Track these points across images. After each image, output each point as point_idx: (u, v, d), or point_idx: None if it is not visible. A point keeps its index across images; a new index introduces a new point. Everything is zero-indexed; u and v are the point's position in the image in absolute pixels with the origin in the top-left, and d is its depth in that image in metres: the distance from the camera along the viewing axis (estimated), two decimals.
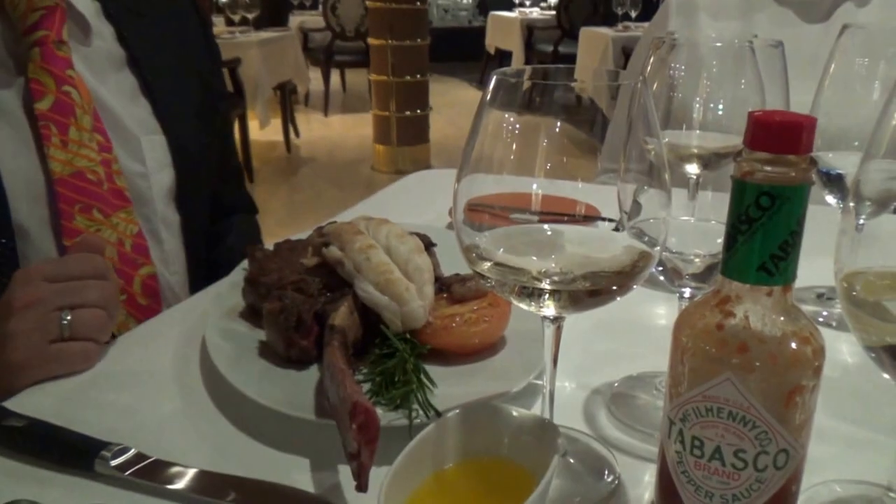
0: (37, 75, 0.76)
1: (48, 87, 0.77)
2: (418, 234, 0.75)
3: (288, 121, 5.07)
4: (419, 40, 4.37)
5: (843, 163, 0.70)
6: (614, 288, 0.44)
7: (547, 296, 0.44)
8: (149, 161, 0.86)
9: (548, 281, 0.45)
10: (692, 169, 0.70)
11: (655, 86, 0.78)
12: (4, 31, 0.77)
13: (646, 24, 5.16)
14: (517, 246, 0.51)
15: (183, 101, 0.93)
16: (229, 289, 0.74)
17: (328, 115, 6.30)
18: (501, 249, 0.50)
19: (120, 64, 0.87)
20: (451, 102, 6.67)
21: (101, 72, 0.84)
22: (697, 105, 0.73)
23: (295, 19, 6.25)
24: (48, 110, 0.76)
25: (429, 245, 0.75)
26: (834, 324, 0.72)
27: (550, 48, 6.53)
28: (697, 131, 0.72)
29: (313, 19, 6.54)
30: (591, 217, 0.53)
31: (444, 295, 0.68)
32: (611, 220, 0.53)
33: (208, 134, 1.00)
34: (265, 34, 4.43)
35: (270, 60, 4.29)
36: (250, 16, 4.56)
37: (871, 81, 0.71)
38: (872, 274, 0.44)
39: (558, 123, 0.57)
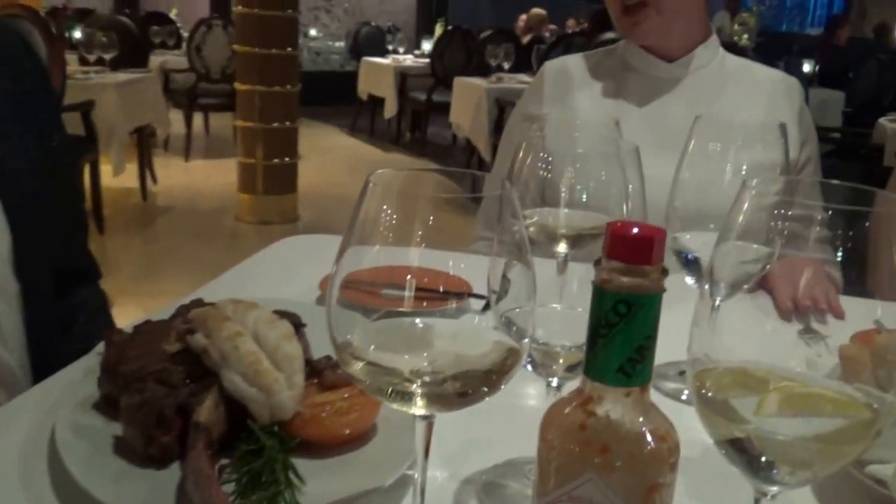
0: None
1: None
2: (287, 314, 0.74)
3: (145, 166, 4.85)
4: (289, 86, 4.33)
5: (699, 244, 0.74)
6: (484, 389, 0.46)
7: (418, 398, 0.45)
8: None
9: (419, 383, 0.45)
10: (561, 248, 0.73)
11: (529, 161, 0.81)
12: None
13: (519, 76, 5.42)
14: (388, 342, 0.51)
15: (18, 157, 0.89)
16: (82, 376, 0.69)
17: (189, 161, 6.08)
18: (372, 346, 0.49)
19: None
20: (322, 149, 6.64)
21: None
22: (566, 185, 0.77)
23: (156, 59, 6.03)
24: None
25: (299, 326, 0.73)
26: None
27: (424, 96, 6.67)
28: (566, 210, 0.75)
29: (176, 59, 6.33)
30: (462, 293, 0.53)
31: (315, 381, 0.67)
32: (481, 297, 0.53)
33: (48, 190, 0.95)
34: (123, 75, 4.25)
35: (128, 103, 4.10)
36: (107, 56, 4.35)
37: (723, 166, 0.77)
38: (722, 370, 0.48)
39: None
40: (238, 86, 4.36)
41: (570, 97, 1.31)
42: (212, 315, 0.66)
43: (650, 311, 0.40)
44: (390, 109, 6.99)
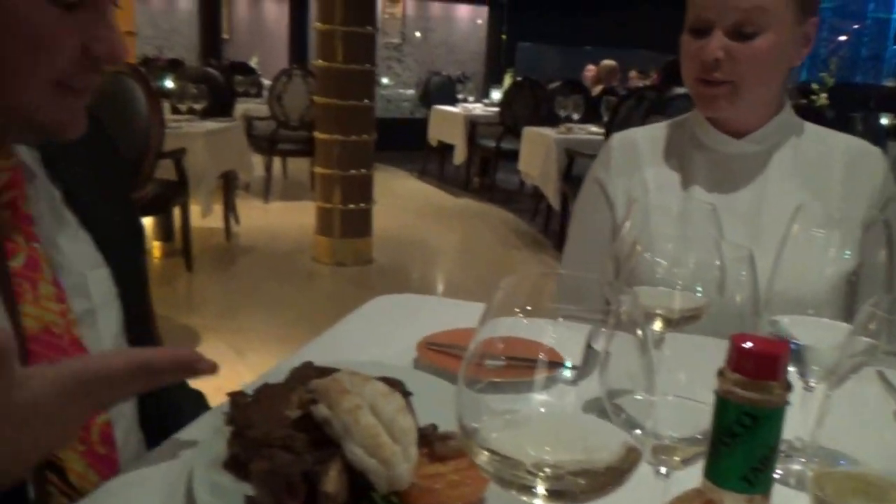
0: (9, 234, 0.77)
1: (20, 244, 0.78)
2: (394, 382, 0.78)
3: (229, 208, 5.07)
4: (365, 136, 4.49)
5: (800, 331, 0.74)
6: (604, 487, 0.48)
7: (540, 491, 0.48)
8: (95, 296, 0.85)
9: (541, 477, 0.48)
10: (657, 327, 0.74)
11: (627, 238, 0.83)
12: None
13: (588, 127, 5.47)
14: (511, 429, 0.53)
15: (117, 227, 0.94)
16: (211, 434, 0.75)
17: (269, 202, 6.32)
18: (495, 434, 0.52)
19: (57, 203, 0.87)
20: (393, 193, 6.79)
21: (45, 215, 0.84)
22: (661, 264, 0.78)
23: (240, 107, 6.32)
24: (22, 267, 0.77)
25: (405, 395, 0.77)
26: (792, 482, 0.74)
27: (493, 143, 6.78)
28: (661, 288, 0.76)
29: (258, 108, 6.64)
30: (554, 363, 0.54)
31: (425, 450, 0.71)
32: (574, 368, 0.54)
33: (141, 254, 1.00)
34: (211, 124, 4.47)
35: (215, 150, 4.32)
36: (198, 107, 4.60)
37: (824, 254, 0.78)
38: (842, 475, 0.50)
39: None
40: (317, 135, 4.54)
41: (638, 171, 1.31)
42: (332, 387, 0.71)
43: (774, 424, 0.42)
44: (460, 156, 7.12)
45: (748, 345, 0.43)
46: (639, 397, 0.51)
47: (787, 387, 0.42)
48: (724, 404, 0.43)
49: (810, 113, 5.01)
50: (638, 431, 0.51)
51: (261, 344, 3.41)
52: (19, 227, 0.78)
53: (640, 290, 0.77)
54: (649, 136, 1.34)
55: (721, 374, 0.43)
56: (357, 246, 4.69)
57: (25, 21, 0.71)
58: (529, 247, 5.57)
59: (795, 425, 0.71)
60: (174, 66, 6.90)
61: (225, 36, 12.51)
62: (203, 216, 4.35)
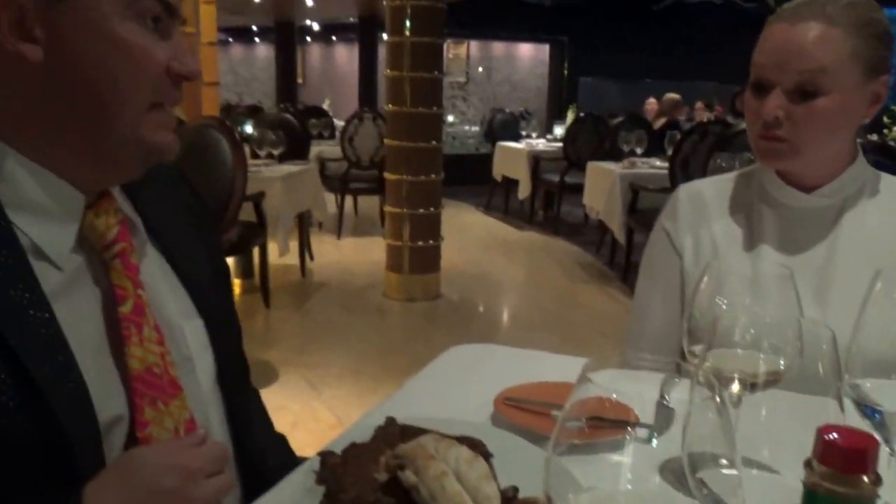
0: (120, 281, 0.82)
1: (129, 291, 0.82)
2: (474, 444, 0.82)
3: (304, 246, 5.31)
4: (433, 175, 4.66)
5: (883, 396, 0.70)
6: None
7: None
8: (193, 347, 0.90)
9: None
10: (734, 390, 0.73)
11: (704, 298, 0.84)
12: (87, 247, 0.83)
13: (652, 160, 5.50)
14: None
15: (210, 282, 0.99)
16: (302, 494, 0.82)
17: (341, 239, 6.57)
18: None
19: (156, 257, 0.92)
20: (459, 227, 6.94)
21: (144, 266, 0.88)
22: (738, 326, 0.77)
23: (314, 149, 6.63)
24: (130, 313, 0.82)
25: (486, 456, 0.80)
26: None
27: (557, 177, 6.88)
28: (739, 351, 0.75)
29: (331, 149, 6.93)
30: (628, 423, 0.53)
31: None
32: (647, 426, 0.53)
33: (231, 304, 1.06)
34: (288, 168, 4.72)
35: (292, 192, 4.55)
36: (276, 151, 4.87)
37: None
38: None
39: None
40: (387, 175, 4.74)
41: (705, 225, 1.30)
42: (419, 453, 0.75)
43: None
44: (524, 190, 7.23)
45: (835, 437, 0.42)
46: (723, 471, 0.49)
47: (877, 480, 0.42)
48: (812, 497, 0.43)
49: (886, 153, 4.73)
50: None
51: (335, 379, 3.55)
52: (127, 276, 0.83)
53: (718, 352, 0.77)
54: (717, 189, 1.33)
55: (808, 465, 0.43)
56: (426, 281, 4.83)
57: (125, 44, 0.75)
58: (595, 279, 5.61)
59: (883, 492, 0.72)
60: (253, 112, 7.31)
61: (299, 81, 13.06)
62: (280, 255, 4.57)
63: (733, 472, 0.48)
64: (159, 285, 0.90)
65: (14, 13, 0.72)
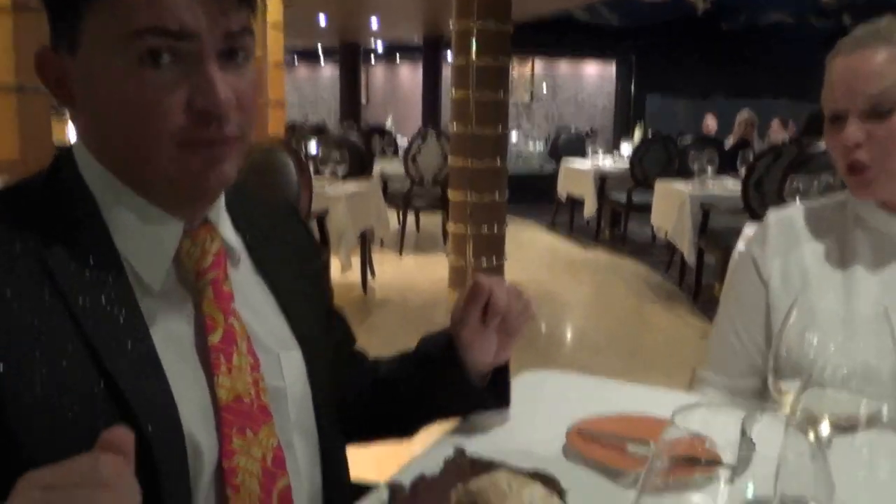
0: (210, 311, 0.82)
1: (218, 321, 0.82)
2: (548, 480, 0.80)
3: (366, 263, 5.33)
4: (498, 195, 4.62)
5: None
6: None
7: None
8: (287, 376, 0.89)
9: None
10: (823, 430, 0.70)
11: (793, 333, 0.82)
12: (182, 275, 0.84)
13: (723, 180, 5.35)
14: None
15: (310, 314, 0.98)
16: None
17: (402, 255, 6.57)
18: None
19: (259, 288, 0.93)
20: (524, 245, 6.87)
21: (246, 296, 0.89)
22: (832, 364, 0.74)
23: (377, 167, 6.68)
24: (219, 342, 0.82)
25: (561, 494, 0.78)
26: None
27: (623, 196, 6.75)
28: (829, 390, 0.72)
29: (393, 166, 6.98)
30: (711, 462, 0.52)
31: None
32: (730, 466, 0.51)
33: (331, 339, 1.04)
34: (351, 186, 4.76)
35: (355, 210, 4.58)
36: (340, 170, 4.91)
37: None
38: None
39: None
40: (451, 194, 4.72)
41: (796, 251, 1.26)
42: (493, 491, 0.72)
43: None
44: (590, 209, 7.12)
45: None
46: None
47: None
48: None
49: None
50: None
51: None
52: (218, 305, 0.84)
53: (812, 392, 0.74)
54: (808, 214, 1.30)
55: None
56: None
57: (126, 90, 0.73)
58: (663, 300, 5.45)
59: None
60: (318, 131, 7.43)
61: (363, 101, 13.27)
62: (343, 272, 4.59)
63: None
64: (259, 313, 0.90)
65: (57, 72, 0.78)
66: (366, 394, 1.11)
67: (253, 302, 0.90)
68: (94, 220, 0.79)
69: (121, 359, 0.74)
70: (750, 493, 0.49)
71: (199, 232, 0.84)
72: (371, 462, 1.17)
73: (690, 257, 5.08)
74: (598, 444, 0.99)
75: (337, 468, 0.98)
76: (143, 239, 0.80)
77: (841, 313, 0.83)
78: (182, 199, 0.81)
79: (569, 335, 4.98)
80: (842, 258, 1.23)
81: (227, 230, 0.88)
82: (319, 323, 1.01)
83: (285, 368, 0.89)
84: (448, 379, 1.03)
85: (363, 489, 0.94)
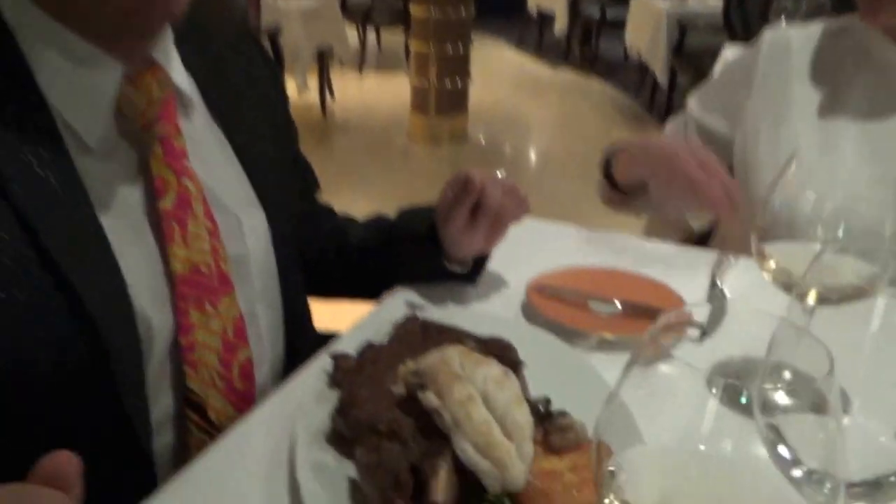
0: (160, 172, 0.72)
1: (170, 182, 0.73)
2: (503, 347, 0.74)
3: (324, 84, 5.01)
4: (463, 11, 4.26)
5: None
6: None
7: None
8: (249, 241, 0.82)
9: None
10: (809, 301, 0.65)
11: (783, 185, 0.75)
12: (125, 129, 0.72)
13: None
14: (657, 478, 0.45)
15: (274, 165, 0.88)
16: (314, 401, 0.73)
17: (363, 74, 6.23)
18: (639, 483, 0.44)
19: (215, 138, 0.83)
20: (489, 65, 6.55)
21: (201, 149, 0.79)
22: (824, 222, 0.70)
23: None
24: (171, 207, 0.73)
25: (517, 366, 0.73)
26: None
27: (597, 12, 6.35)
28: (827, 256, 0.64)
29: None
30: (681, 323, 0.46)
31: (539, 437, 0.66)
32: (699, 327, 0.46)
33: (296, 194, 0.95)
34: (306, 1, 4.33)
35: (311, 27, 4.22)
36: None
37: None
38: None
39: None
40: (413, 9, 4.34)
41: (785, 82, 1.15)
42: (442, 370, 0.66)
43: None
44: (561, 25, 6.73)
45: None
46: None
47: None
48: None
49: None
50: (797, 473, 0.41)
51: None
52: (169, 164, 0.74)
53: (787, 248, 0.71)
54: (806, 41, 1.17)
55: None
56: (453, 123, 4.60)
57: None
58: (631, 123, 5.30)
59: None
60: None
61: None
62: (299, 93, 4.32)
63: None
64: (216, 169, 0.81)
65: None
66: (330, 253, 1.05)
67: (208, 156, 0.80)
68: (13, 60, 0.66)
69: (57, 231, 0.64)
70: (721, 355, 0.46)
71: (143, 75, 0.71)
72: (329, 313, 1.09)
73: (662, 77, 4.88)
74: (559, 301, 0.94)
75: (302, 334, 0.93)
76: (76, 84, 0.68)
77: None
78: (130, 23, 0.68)
79: (533, 158, 4.85)
80: (837, 98, 1.13)
81: (176, 72, 0.77)
82: (284, 174, 0.91)
83: (247, 232, 0.81)
84: (427, 262, 0.97)
85: (327, 338, 0.88)
